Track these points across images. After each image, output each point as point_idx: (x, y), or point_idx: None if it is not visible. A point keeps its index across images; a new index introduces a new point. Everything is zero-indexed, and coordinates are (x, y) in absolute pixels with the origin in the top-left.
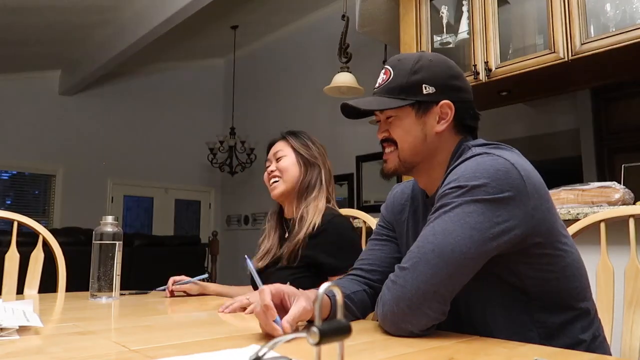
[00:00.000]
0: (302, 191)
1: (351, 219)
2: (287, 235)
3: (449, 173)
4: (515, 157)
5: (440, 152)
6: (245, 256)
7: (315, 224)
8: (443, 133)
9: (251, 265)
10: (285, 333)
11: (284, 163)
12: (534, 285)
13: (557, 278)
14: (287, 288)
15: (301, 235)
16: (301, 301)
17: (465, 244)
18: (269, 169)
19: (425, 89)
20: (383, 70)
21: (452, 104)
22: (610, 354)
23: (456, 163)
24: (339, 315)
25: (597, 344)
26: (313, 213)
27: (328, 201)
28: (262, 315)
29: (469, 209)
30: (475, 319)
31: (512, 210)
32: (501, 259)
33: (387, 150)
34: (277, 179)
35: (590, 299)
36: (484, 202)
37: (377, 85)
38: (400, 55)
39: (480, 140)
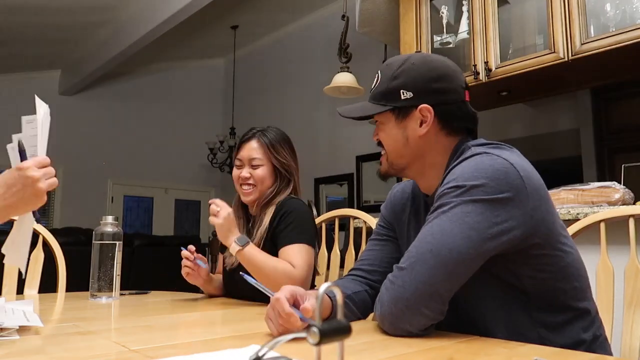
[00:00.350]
0: (269, 199)
1: (351, 219)
2: (250, 225)
3: (448, 173)
4: (514, 157)
5: (429, 153)
6: (241, 273)
7: (266, 225)
8: (428, 136)
9: (254, 280)
10: (305, 315)
11: (261, 173)
12: (533, 285)
13: (557, 278)
14: (298, 289)
15: (256, 240)
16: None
17: (464, 244)
18: (243, 174)
19: (403, 94)
20: (377, 75)
21: (431, 107)
22: (612, 354)
23: (455, 163)
24: (339, 315)
25: (598, 344)
26: (268, 217)
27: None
28: (277, 305)
29: (468, 208)
30: (474, 319)
31: (511, 211)
32: (500, 259)
33: (382, 152)
34: (250, 187)
35: (591, 299)
36: (482, 202)
37: (370, 89)
38: (391, 59)
39: (480, 140)
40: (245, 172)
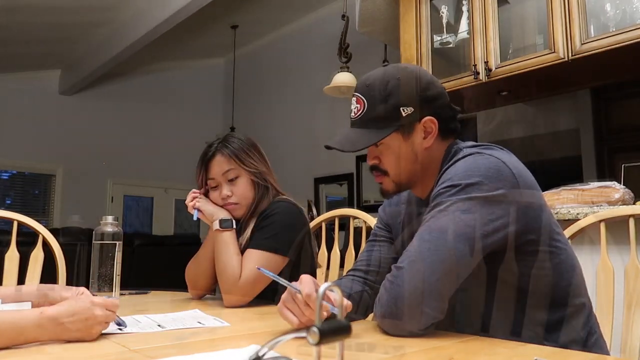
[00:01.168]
0: (255, 208)
1: (351, 219)
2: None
3: (442, 174)
4: (506, 156)
5: (432, 162)
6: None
7: (248, 235)
8: (432, 145)
9: (270, 273)
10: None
11: (241, 187)
12: (529, 282)
13: (552, 275)
14: (317, 282)
15: (242, 244)
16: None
17: (461, 241)
18: (224, 192)
19: (404, 111)
20: (355, 99)
21: (434, 118)
22: (608, 351)
23: (449, 164)
24: (339, 315)
25: (594, 340)
26: (251, 226)
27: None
28: (310, 301)
29: (464, 206)
30: (472, 317)
31: (505, 208)
32: (496, 257)
33: (377, 174)
34: (234, 205)
35: (585, 295)
36: (478, 199)
37: (352, 114)
38: (367, 79)
39: (470, 142)
40: (226, 190)
